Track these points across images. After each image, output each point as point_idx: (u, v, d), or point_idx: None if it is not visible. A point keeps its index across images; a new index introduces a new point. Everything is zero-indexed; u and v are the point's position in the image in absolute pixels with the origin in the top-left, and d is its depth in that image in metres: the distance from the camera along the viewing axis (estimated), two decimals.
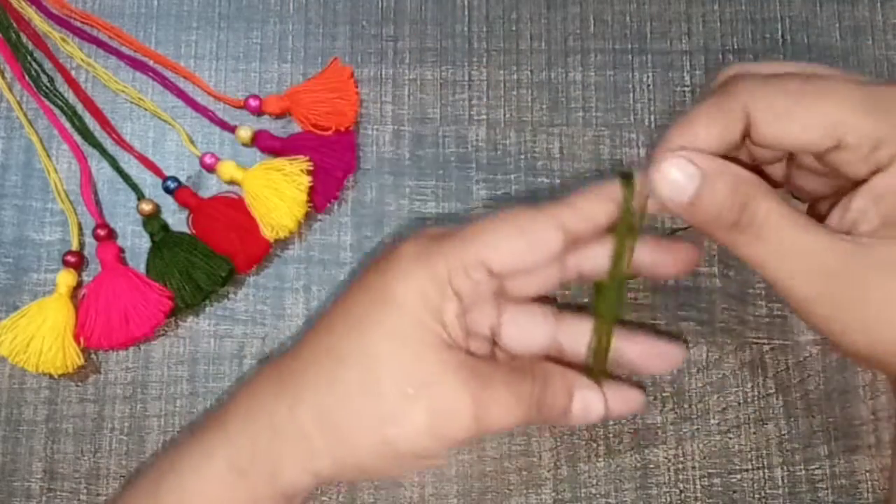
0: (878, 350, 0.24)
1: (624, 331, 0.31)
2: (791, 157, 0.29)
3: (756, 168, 0.29)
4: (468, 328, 0.30)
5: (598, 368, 0.31)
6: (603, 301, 0.30)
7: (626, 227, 0.28)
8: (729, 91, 0.26)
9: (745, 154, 0.29)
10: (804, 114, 0.25)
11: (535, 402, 0.28)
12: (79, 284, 0.36)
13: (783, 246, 0.24)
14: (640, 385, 0.33)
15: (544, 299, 0.32)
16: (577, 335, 0.31)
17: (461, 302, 0.28)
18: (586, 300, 0.36)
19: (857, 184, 0.25)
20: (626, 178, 0.28)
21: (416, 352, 0.27)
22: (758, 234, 0.25)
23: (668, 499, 0.35)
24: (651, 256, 0.30)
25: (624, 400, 0.31)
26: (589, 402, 0.30)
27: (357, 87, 0.38)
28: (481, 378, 0.28)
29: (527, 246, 0.28)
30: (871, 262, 0.24)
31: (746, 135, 0.26)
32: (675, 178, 0.25)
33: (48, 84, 0.38)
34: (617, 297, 0.30)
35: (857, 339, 0.24)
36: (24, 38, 0.38)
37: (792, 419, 0.36)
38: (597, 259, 0.29)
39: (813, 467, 0.35)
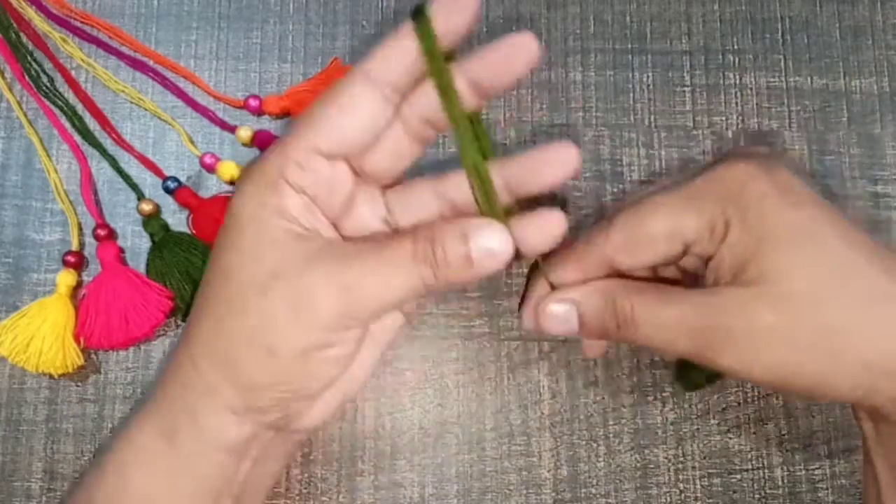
0: (772, 377, 0.27)
1: (504, 159, 0.29)
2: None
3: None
4: (362, 227, 0.29)
5: (487, 205, 0.28)
6: (461, 139, 0.27)
7: (437, 58, 0.26)
8: (583, 245, 0.31)
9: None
10: (645, 243, 0.29)
11: (422, 260, 0.27)
12: (79, 284, 0.36)
13: (657, 323, 0.29)
14: (558, 204, 0.32)
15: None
16: (463, 188, 0.29)
17: (306, 194, 0.27)
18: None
19: None
20: (419, 13, 0.26)
21: (267, 255, 0.27)
22: (636, 325, 0.29)
23: (668, 499, 0.35)
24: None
25: (539, 227, 0.28)
26: (488, 240, 0.26)
27: None
28: (346, 255, 0.27)
29: (347, 114, 0.27)
30: (724, 304, 0.28)
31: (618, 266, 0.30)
32: (559, 318, 0.30)
33: (48, 84, 0.38)
34: (473, 130, 0.27)
35: (752, 371, 0.27)
36: (24, 38, 0.38)
37: (792, 419, 0.36)
38: (431, 101, 0.28)
39: (813, 467, 0.35)
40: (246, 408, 0.27)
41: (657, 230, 0.29)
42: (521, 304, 0.33)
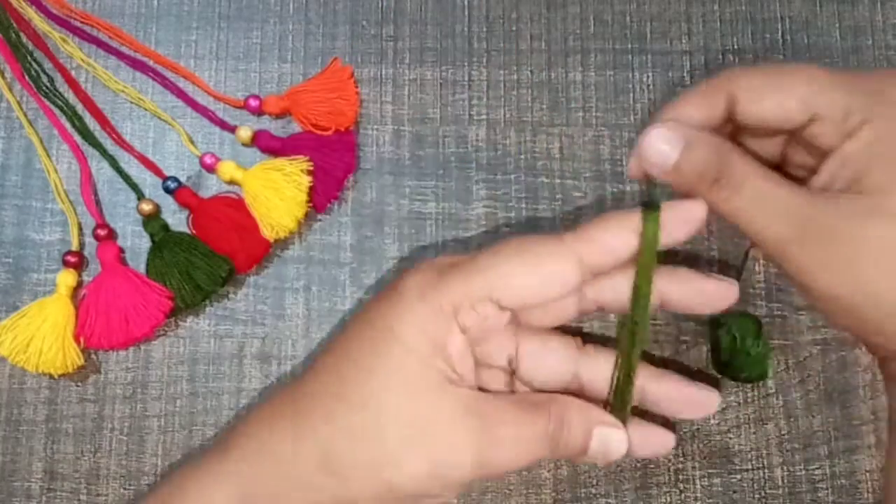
0: (847, 293, 0.26)
1: (653, 370, 0.30)
2: (783, 157, 0.30)
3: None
4: (483, 360, 0.29)
5: (619, 405, 0.29)
6: (625, 335, 0.29)
7: (648, 260, 0.27)
8: (714, 78, 0.28)
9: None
10: (780, 90, 0.27)
11: (550, 439, 0.28)
12: (79, 284, 0.36)
13: (758, 197, 0.27)
14: (670, 425, 0.31)
15: (567, 329, 0.31)
16: (599, 370, 0.30)
17: (468, 337, 0.28)
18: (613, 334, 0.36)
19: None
20: (650, 208, 0.27)
21: (418, 392, 0.27)
22: (736, 189, 0.27)
23: (668, 499, 0.35)
24: (681, 291, 0.29)
25: (650, 440, 0.30)
26: (609, 439, 0.29)
27: (357, 87, 0.38)
28: (487, 418, 0.27)
29: (539, 280, 0.27)
30: (839, 211, 0.26)
31: (732, 119, 0.28)
32: (661, 145, 0.27)
33: (48, 84, 0.38)
34: (640, 331, 0.28)
35: (830, 280, 0.26)
36: (24, 38, 0.38)
37: (792, 419, 0.36)
38: (617, 291, 0.29)
39: (813, 467, 0.35)
40: None
41: (796, 89, 0.27)
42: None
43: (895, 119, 0.26)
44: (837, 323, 0.28)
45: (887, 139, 0.26)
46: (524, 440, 0.27)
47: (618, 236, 0.28)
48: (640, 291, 0.28)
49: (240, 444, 0.29)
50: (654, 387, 0.30)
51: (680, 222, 0.28)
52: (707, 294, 0.30)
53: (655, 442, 0.31)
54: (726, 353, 0.34)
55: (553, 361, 0.30)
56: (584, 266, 0.27)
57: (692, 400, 0.31)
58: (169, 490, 0.29)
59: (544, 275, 0.27)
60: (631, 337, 0.29)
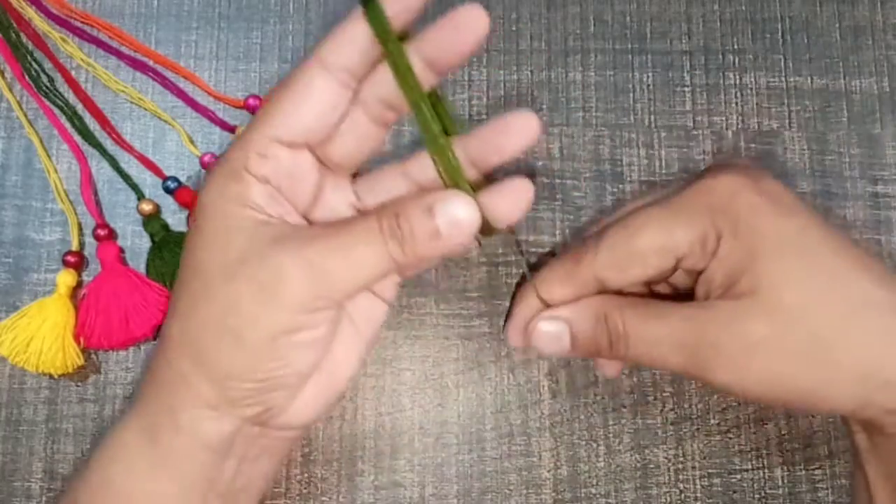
0: (765, 389, 0.27)
1: (465, 135, 0.28)
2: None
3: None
4: (330, 213, 0.29)
5: (452, 178, 0.27)
6: (420, 117, 0.27)
7: (389, 40, 0.26)
8: (578, 263, 0.30)
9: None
10: (634, 258, 0.29)
11: (389, 235, 0.26)
12: (79, 284, 0.36)
13: (648, 340, 0.29)
14: (526, 174, 0.31)
15: None
16: (428, 168, 0.29)
17: (270, 183, 0.27)
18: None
19: None
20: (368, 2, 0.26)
21: (227, 241, 0.26)
22: (627, 341, 0.29)
23: (668, 499, 0.35)
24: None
25: (508, 196, 0.28)
26: (454, 211, 0.26)
27: None
28: (311, 236, 0.26)
29: (305, 102, 0.27)
30: (716, 318, 0.28)
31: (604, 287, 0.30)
32: (551, 336, 0.30)
33: (48, 84, 0.38)
34: (433, 107, 0.27)
35: (745, 385, 0.27)
36: (24, 38, 0.38)
37: (792, 419, 0.36)
38: (389, 83, 0.27)
39: (813, 467, 0.35)
40: (221, 401, 0.26)
41: (647, 246, 0.29)
42: (506, 322, 0.32)
43: (739, 223, 0.28)
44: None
45: (740, 246, 0.28)
46: (357, 242, 0.26)
47: (348, 31, 0.27)
48: (400, 71, 0.27)
49: (140, 389, 0.29)
50: (476, 143, 0.28)
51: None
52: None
53: (512, 194, 0.28)
54: None
55: (387, 182, 0.30)
56: (335, 71, 0.27)
57: (512, 128, 0.28)
58: (98, 446, 0.29)
59: (305, 94, 0.27)
60: (419, 111, 0.27)
